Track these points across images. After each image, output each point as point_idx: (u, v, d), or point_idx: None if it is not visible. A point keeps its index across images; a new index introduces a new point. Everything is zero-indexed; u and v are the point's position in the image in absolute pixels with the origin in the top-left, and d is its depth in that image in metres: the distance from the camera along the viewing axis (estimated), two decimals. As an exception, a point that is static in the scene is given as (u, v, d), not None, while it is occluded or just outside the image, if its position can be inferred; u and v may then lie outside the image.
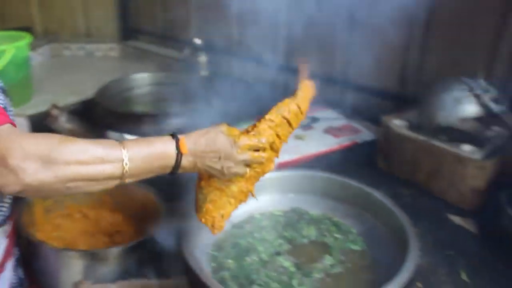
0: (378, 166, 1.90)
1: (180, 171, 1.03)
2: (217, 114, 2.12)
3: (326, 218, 1.57)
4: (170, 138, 1.01)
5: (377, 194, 1.50)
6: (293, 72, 1.33)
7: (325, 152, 1.94)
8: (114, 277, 1.42)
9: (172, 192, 1.53)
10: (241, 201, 1.21)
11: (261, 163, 1.14)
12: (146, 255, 1.48)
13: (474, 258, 1.44)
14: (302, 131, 2.10)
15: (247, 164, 1.11)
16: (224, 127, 1.08)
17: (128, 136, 1.61)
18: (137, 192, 1.66)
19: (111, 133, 1.55)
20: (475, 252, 1.47)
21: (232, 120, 2.17)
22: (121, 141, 0.94)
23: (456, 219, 1.61)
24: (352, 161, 1.91)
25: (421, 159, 1.73)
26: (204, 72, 2.81)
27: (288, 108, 1.17)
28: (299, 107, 1.19)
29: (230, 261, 1.38)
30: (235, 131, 1.10)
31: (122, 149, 0.92)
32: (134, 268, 1.46)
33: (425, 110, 1.77)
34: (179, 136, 1.01)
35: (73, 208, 1.73)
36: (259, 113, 2.40)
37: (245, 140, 1.08)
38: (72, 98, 2.63)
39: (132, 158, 0.93)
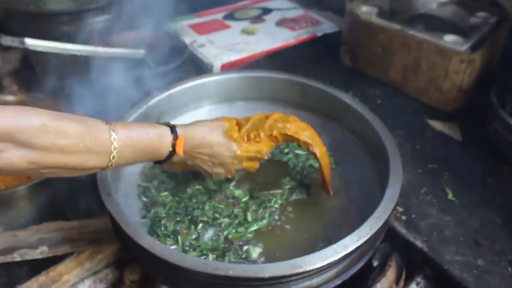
0: (343, 63, 1.56)
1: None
2: (148, 8, 1.70)
3: (283, 131, 1.26)
4: (167, 131, 0.88)
5: (345, 97, 1.19)
6: None
7: (279, 48, 1.58)
8: (24, 222, 1.12)
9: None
10: None
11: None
12: (62, 192, 1.17)
13: (460, 171, 1.18)
14: (251, 24, 1.72)
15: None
16: (225, 126, 0.97)
17: (30, 41, 1.20)
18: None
19: (6, 38, 1.14)
20: (461, 164, 1.20)
21: (166, 16, 1.77)
22: (110, 124, 0.78)
23: (437, 125, 1.32)
24: (312, 59, 1.57)
25: (394, 52, 1.40)
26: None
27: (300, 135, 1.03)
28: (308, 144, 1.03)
29: (165, 193, 1.07)
30: (234, 131, 0.98)
31: (112, 140, 0.77)
32: (49, 208, 1.16)
33: (399, -7, 1.41)
34: (178, 133, 0.88)
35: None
36: (195, 9, 2.01)
37: (245, 152, 0.98)
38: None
39: (121, 150, 0.79)
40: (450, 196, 1.11)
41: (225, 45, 1.56)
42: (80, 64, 1.38)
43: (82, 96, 1.28)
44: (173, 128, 0.88)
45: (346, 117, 1.19)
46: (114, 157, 0.77)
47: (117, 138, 0.77)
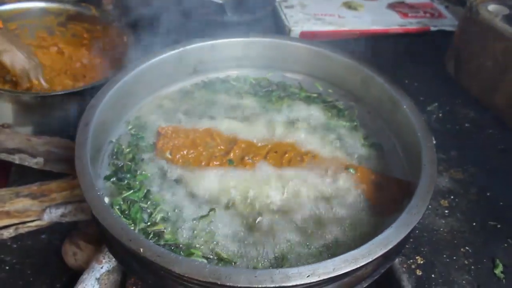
0: (446, 69, 1.22)
1: None
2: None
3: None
4: None
5: (405, 103, 0.90)
6: None
7: (376, 32, 1.29)
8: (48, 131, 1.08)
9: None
10: None
11: None
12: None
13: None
14: (361, -2, 1.43)
15: None
16: None
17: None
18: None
19: None
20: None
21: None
22: None
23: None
24: (412, 55, 1.26)
25: (508, 70, 1.03)
26: None
27: None
28: None
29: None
30: None
31: None
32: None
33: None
34: None
35: (47, 40, 1.35)
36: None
37: None
38: None
39: None
40: (498, 270, 0.79)
41: (316, 13, 1.32)
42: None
43: (150, 25, 1.20)
44: None
45: (396, 121, 0.92)
46: None
47: None
